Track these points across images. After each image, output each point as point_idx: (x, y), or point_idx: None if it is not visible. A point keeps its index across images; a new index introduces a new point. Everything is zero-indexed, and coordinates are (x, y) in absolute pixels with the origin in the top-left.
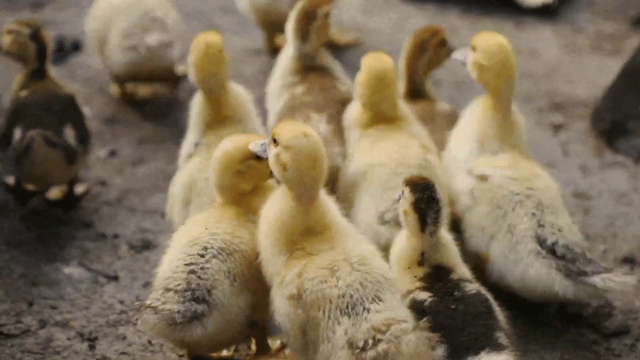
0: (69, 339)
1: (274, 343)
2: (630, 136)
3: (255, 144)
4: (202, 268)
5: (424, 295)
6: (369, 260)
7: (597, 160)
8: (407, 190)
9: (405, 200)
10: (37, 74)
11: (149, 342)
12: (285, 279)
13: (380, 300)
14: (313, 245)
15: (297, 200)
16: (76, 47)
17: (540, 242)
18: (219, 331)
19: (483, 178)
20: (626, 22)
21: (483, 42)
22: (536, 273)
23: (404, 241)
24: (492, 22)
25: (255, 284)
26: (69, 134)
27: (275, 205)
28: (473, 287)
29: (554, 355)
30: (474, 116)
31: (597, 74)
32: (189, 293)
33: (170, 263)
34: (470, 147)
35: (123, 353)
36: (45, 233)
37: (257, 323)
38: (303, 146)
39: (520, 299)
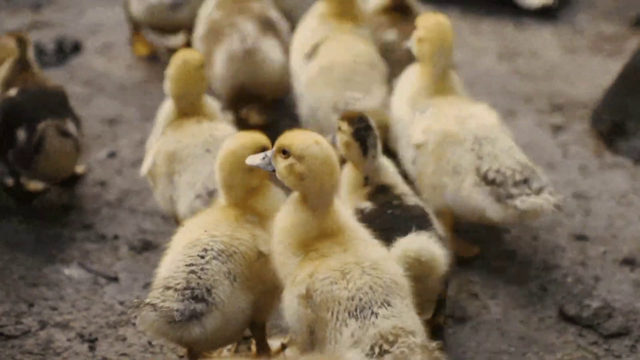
0: (69, 340)
1: (274, 344)
2: (629, 137)
3: (253, 158)
4: (202, 269)
5: (366, 204)
6: (380, 264)
7: (596, 161)
8: (345, 125)
9: (345, 134)
10: (21, 64)
11: (149, 343)
12: (296, 279)
13: (389, 305)
14: (327, 246)
15: (314, 208)
16: (76, 47)
17: (480, 173)
18: (218, 331)
19: (420, 146)
20: (626, 23)
21: (423, 19)
22: (475, 202)
23: (350, 170)
24: (492, 22)
25: (255, 284)
26: (71, 125)
27: (289, 212)
28: (413, 200)
29: (554, 357)
30: (410, 80)
31: (597, 75)
32: (188, 292)
33: (170, 264)
34: (405, 110)
35: (123, 354)
36: (46, 234)
37: (258, 324)
38: (318, 154)
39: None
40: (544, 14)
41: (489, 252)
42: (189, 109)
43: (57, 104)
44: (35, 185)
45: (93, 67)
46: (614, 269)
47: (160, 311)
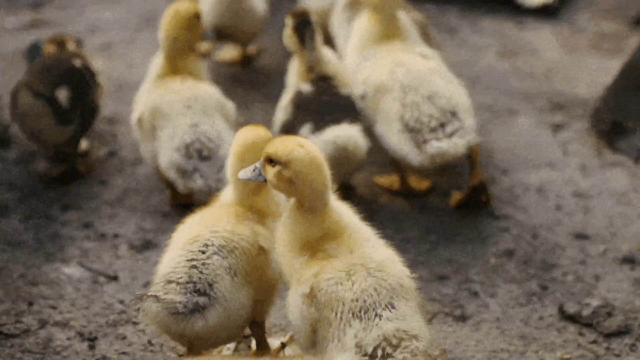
0: (68, 338)
1: (274, 343)
2: (630, 136)
3: (244, 172)
4: (203, 264)
5: (306, 87)
6: (386, 266)
7: (597, 160)
8: (288, 19)
9: (287, 27)
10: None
11: (149, 342)
12: (302, 278)
13: (393, 307)
14: (333, 247)
15: (311, 211)
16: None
17: (403, 121)
18: (220, 325)
19: (362, 97)
20: (626, 22)
21: None
22: (401, 148)
23: (295, 61)
24: (492, 22)
25: (256, 280)
26: (62, 94)
27: (290, 218)
28: (348, 90)
29: (554, 355)
30: (360, 26)
31: (597, 74)
32: (190, 285)
33: (171, 260)
34: (353, 57)
35: (123, 353)
36: (45, 233)
37: (257, 322)
38: (302, 157)
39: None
40: (544, 13)
41: (488, 250)
42: (178, 64)
43: (57, 72)
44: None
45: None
46: (614, 268)
47: (163, 303)
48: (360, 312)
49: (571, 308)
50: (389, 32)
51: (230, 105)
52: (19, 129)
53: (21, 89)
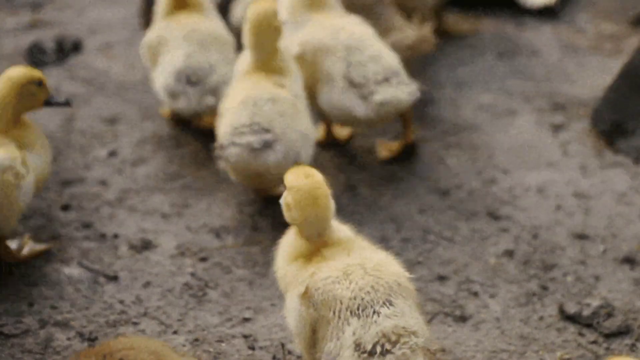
0: (69, 339)
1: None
2: (630, 136)
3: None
4: (260, 111)
5: None
6: (383, 266)
7: (597, 160)
8: None
9: None
10: None
11: None
12: (298, 279)
13: (391, 304)
14: (330, 251)
15: (306, 238)
16: (76, 47)
17: (348, 79)
18: (285, 158)
19: (297, 57)
20: (626, 23)
21: None
22: (344, 104)
23: None
24: (492, 22)
25: (300, 122)
26: None
27: (290, 238)
28: None
29: (553, 356)
30: None
31: (597, 74)
32: (256, 126)
33: (231, 118)
34: (285, 20)
35: None
36: (45, 233)
37: None
38: (302, 185)
39: None
40: (545, 14)
41: (488, 250)
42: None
43: None
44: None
45: (93, 66)
46: (614, 268)
47: (241, 145)
48: (358, 309)
49: (571, 308)
50: (318, 2)
51: (230, 39)
52: None
53: None
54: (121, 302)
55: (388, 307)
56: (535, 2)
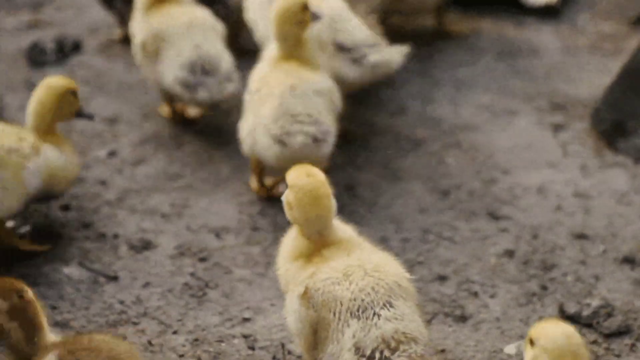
0: None
1: None
2: (630, 136)
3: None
4: (311, 102)
5: None
6: (383, 266)
7: (597, 160)
8: None
9: None
10: None
11: (149, 342)
12: (298, 280)
13: (391, 306)
14: (330, 251)
15: (306, 237)
16: (76, 46)
17: (337, 44)
18: (330, 150)
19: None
20: (626, 23)
21: None
22: (334, 67)
23: None
24: (492, 22)
25: (339, 114)
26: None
27: (292, 233)
28: None
29: None
30: None
31: (597, 74)
32: (313, 119)
33: (280, 105)
34: None
35: None
36: (45, 233)
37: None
38: (303, 184)
39: None
40: (546, 13)
41: (488, 250)
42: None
43: None
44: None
45: (93, 66)
46: (614, 268)
47: (306, 135)
48: (358, 311)
49: (571, 308)
50: None
51: (221, 27)
52: None
53: None
54: (121, 302)
55: (388, 309)
56: (537, 1)
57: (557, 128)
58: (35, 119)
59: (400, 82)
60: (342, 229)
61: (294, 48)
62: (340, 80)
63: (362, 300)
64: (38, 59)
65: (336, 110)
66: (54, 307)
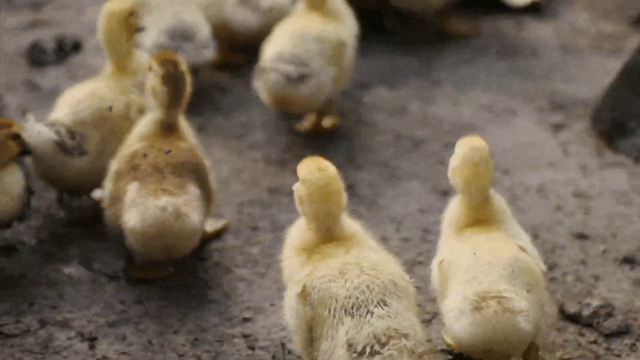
0: (69, 338)
1: None
2: (630, 136)
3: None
4: (304, 45)
5: None
6: (380, 265)
7: (597, 160)
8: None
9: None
10: None
11: (149, 342)
12: (297, 278)
13: (385, 304)
14: (330, 248)
15: (315, 231)
16: (76, 47)
17: None
18: (315, 93)
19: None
20: (626, 22)
21: None
22: (231, 14)
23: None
24: (492, 22)
25: (339, 62)
26: None
27: (300, 226)
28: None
29: (553, 356)
30: None
31: (597, 74)
32: (296, 58)
33: (277, 45)
34: None
35: (123, 353)
36: (46, 232)
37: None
38: (315, 179)
39: None
40: (534, 12)
41: None
42: None
43: None
44: None
45: (93, 66)
46: (614, 268)
47: (280, 73)
48: (352, 308)
49: (571, 308)
50: None
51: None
52: None
53: None
54: (122, 302)
55: (382, 308)
56: (522, 1)
57: (557, 128)
58: (113, 50)
59: (400, 82)
60: (349, 224)
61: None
62: (235, 28)
63: (357, 298)
64: (38, 59)
65: (335, 60)
66: (54, 307)
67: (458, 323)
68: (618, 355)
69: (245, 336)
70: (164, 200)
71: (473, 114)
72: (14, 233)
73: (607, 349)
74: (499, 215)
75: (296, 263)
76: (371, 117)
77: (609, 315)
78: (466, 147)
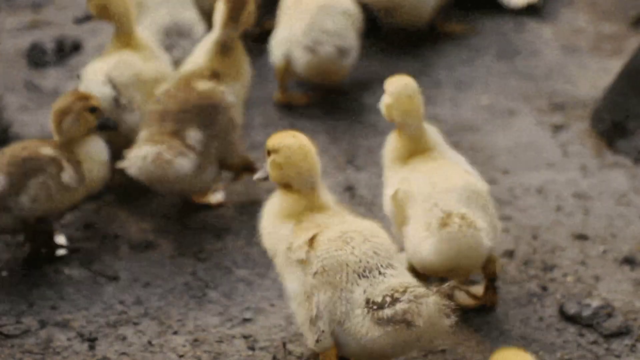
0: (69, 339)
1: None
2: (630, 136)
3: (259, 174)
4: (339, 20)
5: None
6: (377, 233)
7: (597, 160)
8: None
9: None
10: None
11: (149, 342)
12: (293, 245)
13: (393, 267)
14: (321, 218)
15: (299, 191)
16: (76, 47)
17: None
18: (352, 65)
19: None
20: (626, 23)
21: None
22: None
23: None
24: (492, 22)
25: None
26: None
27: (276, 197)
28: None
29: (554, 356)
30: None
31: (597, 74)
32: (336, 34)
33: (312, 21)
34: None
35: (123, 353)
36: (45, 232)
37: None
38: (291, 144)
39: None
40: (528, 11)
41: None
42: None
43: None
44: None
45: None
46: (614, 268)
47: (332, 46)
48: (365, 272)
49: (571, 309)
50: None
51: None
52: None
53: None
54: (121, 302)
55: (391, 270)
56: (519, 2)
57: (557, 128)
58: (122, 25)
59: None
60: (325, 191)
61: None
62: None
63: (368, 262)
64: (38, 59)
65: (358, 31)
66: (54, 307)
67: (425, 243)
68: (618, 356)
69: (245, 337)
70: (144, 149)
71: (473, 114)
72: (14, 233)
73: (607, 349)
74: (436, 144)
75: (284, 230)
76: (371, 117)
77: (609, 315)
78: (398, 84)
